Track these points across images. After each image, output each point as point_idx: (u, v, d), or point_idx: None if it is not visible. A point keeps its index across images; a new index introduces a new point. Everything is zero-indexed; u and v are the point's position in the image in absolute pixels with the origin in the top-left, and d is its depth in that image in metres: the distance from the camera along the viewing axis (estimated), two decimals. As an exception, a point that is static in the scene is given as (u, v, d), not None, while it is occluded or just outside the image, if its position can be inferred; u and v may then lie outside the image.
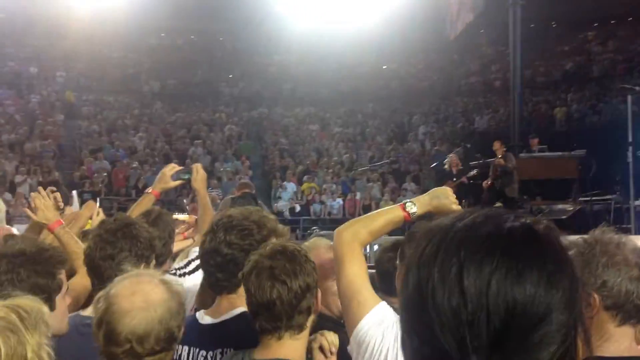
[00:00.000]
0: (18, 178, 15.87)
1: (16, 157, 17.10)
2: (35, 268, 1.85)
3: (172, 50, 26.93)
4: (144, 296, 1.64)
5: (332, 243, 2.48)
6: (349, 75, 25.53)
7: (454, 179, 11.98)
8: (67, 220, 3.25)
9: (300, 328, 1.81)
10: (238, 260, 1.99)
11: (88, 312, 2.19)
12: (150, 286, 1.67)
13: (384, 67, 27.00)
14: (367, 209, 16.93)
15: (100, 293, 1.70)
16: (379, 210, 2.18)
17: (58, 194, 3.20)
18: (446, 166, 12.41)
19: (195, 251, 2.99)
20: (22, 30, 24.63)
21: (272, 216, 2.19)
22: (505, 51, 21.72)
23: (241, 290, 1.99)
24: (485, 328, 0.77)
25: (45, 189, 3.06)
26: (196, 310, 2.57)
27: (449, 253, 0.82)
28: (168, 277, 1.83)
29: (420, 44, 25.44)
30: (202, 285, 2.54)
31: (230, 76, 26.63)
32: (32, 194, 2.99)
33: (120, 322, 1.60)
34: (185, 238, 4.63)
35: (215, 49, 27.60)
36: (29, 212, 2.97)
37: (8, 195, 15.26)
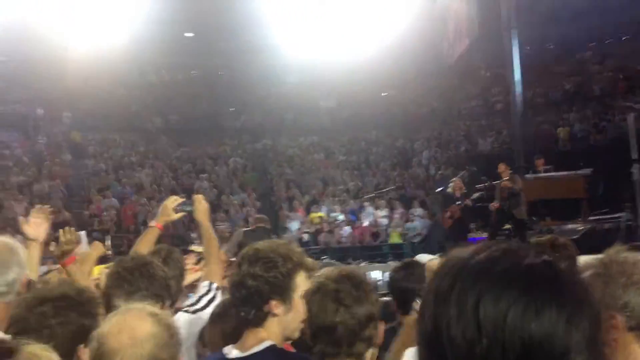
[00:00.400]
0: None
1: (25, 198, 17.20)
2: (80, 310, 1.88)
3: (173, 86, 27.25)
4: (130, 333, 1.62)
5: None
6: (349, 103, 25.78)
7: (458, 203, 12.06)
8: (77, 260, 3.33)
9: (359, 357, 1.80)
10: (263, 293, 1.99)
11: None
12: (137, 321, 1.66)
13: (383, 94, 27.26)
14: (375, 236, 16.98)
15: (93, 333, 1.70)
16: None
17: (73, 231, 3.29)
18: (449, 190, 12.50)
19: (204, 285, 3.00)
20: (26, 73, 24.96)
21: (300, 249, 2.20)
22: (504, 74, 22.00)
23: (268, 324, 2.01)
24: None
25: (59, 229, 3.16)
26: (202, 344, 2.60)
27: (466, 286, 0.80)
28: (155, 310, 1.78)
29: (418, 70, 25.72)
30: (211, 318, 2.56)
31: (231, 109, 26.89)
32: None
33: None
34: (197, 271, 4.67)
35: (215, 83, 27.92)
36: (53, 247, 3.03)
37: (19, 237, 15.34)
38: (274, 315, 2.03)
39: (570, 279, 0.82)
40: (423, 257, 3.68)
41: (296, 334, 2.09)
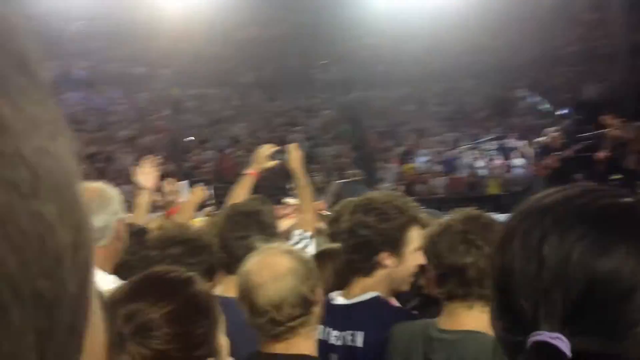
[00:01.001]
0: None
1: (132, 151, 18.14)
2: (208, 250, 2.05)
3: (266, 42, 27.45)
4: (271, 268, 1.74)
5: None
6: (443, 52, 25.03)
7: (558, 153, 11.54)
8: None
9: (488, 300, 1.77)
10: (374, 243, 1.98)
11: (219, 290, 2.27)
12: (277, 258, 1.77)
13: (477, 41, 26.20)
14: (473, 187, 16.68)
15: (240, 269, 1.84)
16: None
17: (174, 181, 3.37)
18: (548, 139, 11.96)
19: (297, 234, 3.02)
20: (125, 32, 25.94)
21: (415, 204, 2.14)
22: (607, 16, 20.60)
23: (377, 274, 1.99)
24: (561, 299, 0.72)
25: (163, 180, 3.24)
26: None
27: (533, 221, 0.79)
28: (291, 247, 1.94)
29: (515, 15, 24.51)
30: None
31: (322, 62, 26.82)
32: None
33: (257, 295, 1.73)
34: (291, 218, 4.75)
35: (305, 38, 27.85)
36: (135, 177, 3.13)
37: (128, 187, 16.28)
38: (384, 267, 2.01)
39: None
40: None
41: (404, 287, 2.06)
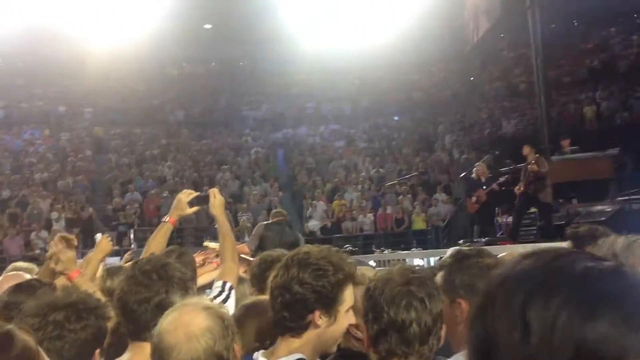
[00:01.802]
0: (53, 215, 16.14)
1: (50, 194, 17.42)
2: (98, 313, 1.89)
3: (194, 79, 27.33)
4: (185, 328, 1.67)
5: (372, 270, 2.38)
6: (371, 89, 25.54)
7: (484, 187, 11.80)
8: (84, 264, 3.23)
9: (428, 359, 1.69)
10: (308, 302, 1.88)
11: (124, 358, 2.14)
12: (192, 316, 1.71)
13: (405, 78, 26.96)
14: (399, 223, 16.81)
15: (155, 328, 1.76)
16: None
17: (73, 238, 3.18)
18: (474, 175, 12.22)
19: (217, 286, 2.90)
20: (48, 71, 25.27)
21: (352, 260, 2.05)
22: (527, 54, 21.50)
23: (306, 334, 1.90)
24: None
25: (67, 234, 3.08)
26: None
27: (514, 285, 0.75)
28: (208, 303, 1.81)
29: (439, 53, 25.36)
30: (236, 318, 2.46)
31: (252, 99, 26.87)
32: (50, 246, 2.99)
33: (169, 357, 1.66)
34: (218, 266, 4.57)
35: (236, 75, 27.91)
36: (51, 263, 2.95)
37: (44, 233, 15.56)
38: (315, 326, 1.92)
39: (633, 280, 0.75)
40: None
41: (333, 349, 1.99)
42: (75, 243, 3.27)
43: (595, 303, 0.71)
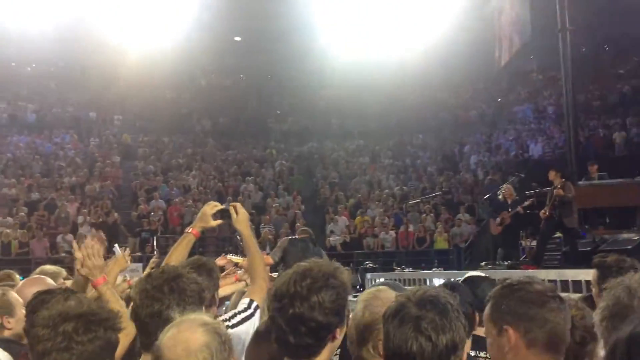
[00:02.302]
0: (79, 219, 16.39)
1: (77, 198, 17.70)
2: (108, 325, 1.87)
3: (222, 90, 27.62)
4: (184, 345, 1.71)
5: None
6: (397, 106, 25.53)
7: (509, 210, 11.68)
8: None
9: None
10: (332, 325, 1.86)
11: None
12: (189, 333, 1.73)
13: (432, 97, 26.94)
14: (421, 241, 16.72)
15: (155, 343, 1.78)
16: None
17: (97, 249, 3.17)
18: (500, 197, 12.11)
19: (244, 302, 2.89)
20: (80, 77, 25.77)
21: (346, 270, 2.05)
22: (556, 77, 21.33)
23: (324, 352, 1.90)
24: None
25: (98, 234, 3.10)
26: None
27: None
28: (207, 318, 1.83)
29: (467, 73, 25.29)
30: (256, 337, 2.44)
31: (278, 112, 27.05)
32: (77, 250, 2.96)
33: None
34: (237, 280, 4.57)
35: (263, 87, 28.17)
36: (77, 266, 2.96)
37: (70, 236, 15.79)
38: (333, 340, 1.93)
39: None
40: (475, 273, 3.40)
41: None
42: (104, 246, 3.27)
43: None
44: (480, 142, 22.73)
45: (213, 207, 3.16)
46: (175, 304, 2.14)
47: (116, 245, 3.59)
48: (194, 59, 24.58)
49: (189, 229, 3.19)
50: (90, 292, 3.31)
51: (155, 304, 2.13)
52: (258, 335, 2.42)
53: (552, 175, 10.67)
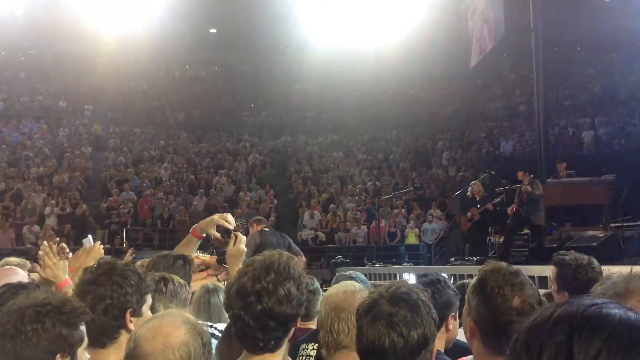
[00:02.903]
0: (47, 210, 16.11)
1: (45, 189, 17.39)
2: (60, 318, 1.81)
3: (196, 82, 27.38)
4: (163, 339, 1.68)
5: (361, 287, 2.36)
6: (372, 101, 25.59)
7: (478, 206, 11.78)
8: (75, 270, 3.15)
9: None
10: (297, 315, 1.88)
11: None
12: (171, 328, 1.70)
13: (407, 93, 27.08)
14: (392, 236, 16.81)
15: (132, 333, 1.78)
16: None
17: (64, 245, 3.07)
18: (469, 193, 12.17)
19: None
20: (50, 65, 25.30)
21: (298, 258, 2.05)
22: (529, 75, 21.59)
23: (280, 350, 1.89)
24: None
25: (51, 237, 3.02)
26: None
27: (561, 321, 0.82)
28: (190, 317, 1.80)
29: (442, 70, 25.44)
30: (225, 338, 2.40)
31: (252, 105, 26.91)
32: (40, 251, 2.88)
33: None
34: (209, 275, 4.53)
35: (238, 79, 27.99)
36: (38, 268, 2.89)
37: (36, 227, 15.52)
38: (291, 331, 1.94)
39: None
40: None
41: None
42: (67, 252, 3.16)
43: (633, 345, 0.79)
44: (453, 138, 22.90)
45: (224, 220, 3.05)
46: (109, 297, 2.07)
47: (89, 235, 3.48)
48: (168, 50, 24.30)
49: (194, 229, 3.17)
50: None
51: (88, 297, 2.06)
52: (229, 332, 2.38)
53: (520, 175, 10.83)
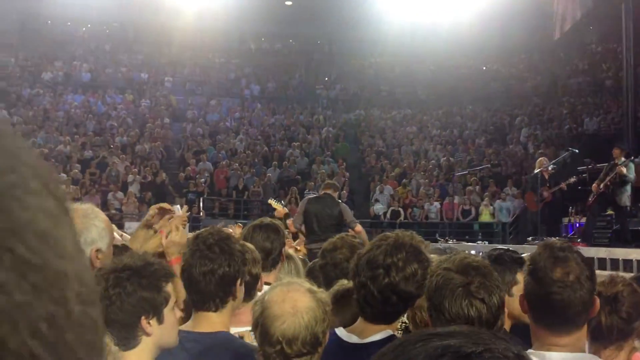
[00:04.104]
0: (129, 178, 16.82)
1: (127, 157, 18.14)
2: (141, 282, 1.89)
3: (271, 55, 27.61)
4: (293, 303, 1.80)
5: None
6: (447, 76, 25.05)
7: (548, 185, 11.31)
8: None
9: None
10: (419, 295, 1.96)
11: (188, 326, 2.22)
12: (298, 294, 1.83)
13: (484, 67, 26.31)
14: (466, 214, 16.53)
15: (257, 298, 1.91)
16: None
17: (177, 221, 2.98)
18: (536, 171, 11.63)
19: None
20: (133, 38, 26.17)
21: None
22: (617, 49, 20.48)
23: (395, 323, 2.00)
24: None
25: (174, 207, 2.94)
26: None
27: None
28: (312, 286, 1.92)
29: (522, 43, 24.53)
30: (336, 300, 2.48)
31: (326, 79, 26.92)
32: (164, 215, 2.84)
33: (272, 325, 1.77)
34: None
35: (312, 53, 28.02)
36: (162, 239, 2.82)
37: (120, 194, 16.26)
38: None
39: None
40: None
41: None
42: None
43: None
44: (532, 114, 22.11)
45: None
46: (226, 265, 2.19)
47: (177, 205, 3.49)
48: (244, 22, 24.58)
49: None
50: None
51: (208, 263, 2.18)
52: (339, 296, 2.49)
53: (616, 152, 10.19)
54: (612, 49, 22.14)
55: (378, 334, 1.99)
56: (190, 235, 4.14)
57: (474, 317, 1.68)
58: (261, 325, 1.80)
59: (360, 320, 2.06)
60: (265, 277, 2.69)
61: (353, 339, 2.04)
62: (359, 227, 6.92)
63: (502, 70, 25.66)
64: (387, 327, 2.00)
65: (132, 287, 1.88)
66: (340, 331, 2.08)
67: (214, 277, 2.16)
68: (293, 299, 1.80)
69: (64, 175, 16.09)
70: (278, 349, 1.75)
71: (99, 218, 2.27)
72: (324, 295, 1.91)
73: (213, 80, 24.84)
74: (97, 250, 2.20)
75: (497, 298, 1.70)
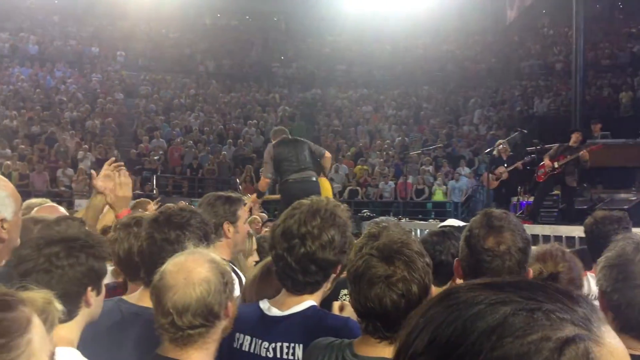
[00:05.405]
0: (79, 154, 16.40)
1: (78, 134, 17.66)
2: (90, 252, 1.88)
3: (228, 31, 27.17)
4: (186, 274, 1.75)
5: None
6: (404, 57, 25.18)
7: (505, 165, 11.60)
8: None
9: None
10: (339, 262, 1.93)
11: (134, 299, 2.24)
12: (195, 265, 1.77)
13: (443, 48, 26.57)
14: (419, 193, 16.78)
15: (160, 268, 1.83)
16: None
17: (124, 170, 3.23)
18: (494, 152, 11.97)
19: None
20: (83, 10, 25.32)
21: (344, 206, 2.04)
22: (568, 33, 20.96)
23: (318, 292, 1.97)
24: None
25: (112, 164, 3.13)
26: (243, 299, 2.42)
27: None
28: (215, 257, 1.85)
29: (477, 26, 24.86)
30: (262, 274, 2.44)
31: (282, 57, 26.69)
32: (104, 171, 3.00)
33: (165, 296, 1.74)
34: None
35: (269, 30, 27.70)
36: (106, 193, 3.00)
37: (70, 171, 15.85)
38: (330, 277, 1.99)
39: None
40: (453, 222, 3.32)
41: None
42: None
43: None
44: (485, 96, 22.50)
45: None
46: (184, 239, 2.18)
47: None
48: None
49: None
50: (101, 223, 3.35)
51: (172, 232, 2.18)
52: (266, 269, 2.43)
53: (576, 135, 10.24)
54: (564, 32, 22.66)
55: (299, 305, 1.94)
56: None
57: (389, 308, 1.61)
58: (155, 295, 1.77)
59: (282, 292, 2.00)
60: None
61: (273, 311, 1.98)
62: (327, 154, 7.14)
63: (458, 52, 25.95)
64: (309, 297, 1.95)
65: (84, 257, 1.86)
66: (263, 304, 2.02)
67: (179, 246, 2.15)
68: (187, 269, 1.76)
69: (9, 151, 15.57)
70: (170, 320, 1.72)
71: (2, 186, 2.20)
72: (227, 266, 1.85)
73: (167, 56, 24.31)
74: (2, 220, 2.10)
75: (417, 287, 1.61)
